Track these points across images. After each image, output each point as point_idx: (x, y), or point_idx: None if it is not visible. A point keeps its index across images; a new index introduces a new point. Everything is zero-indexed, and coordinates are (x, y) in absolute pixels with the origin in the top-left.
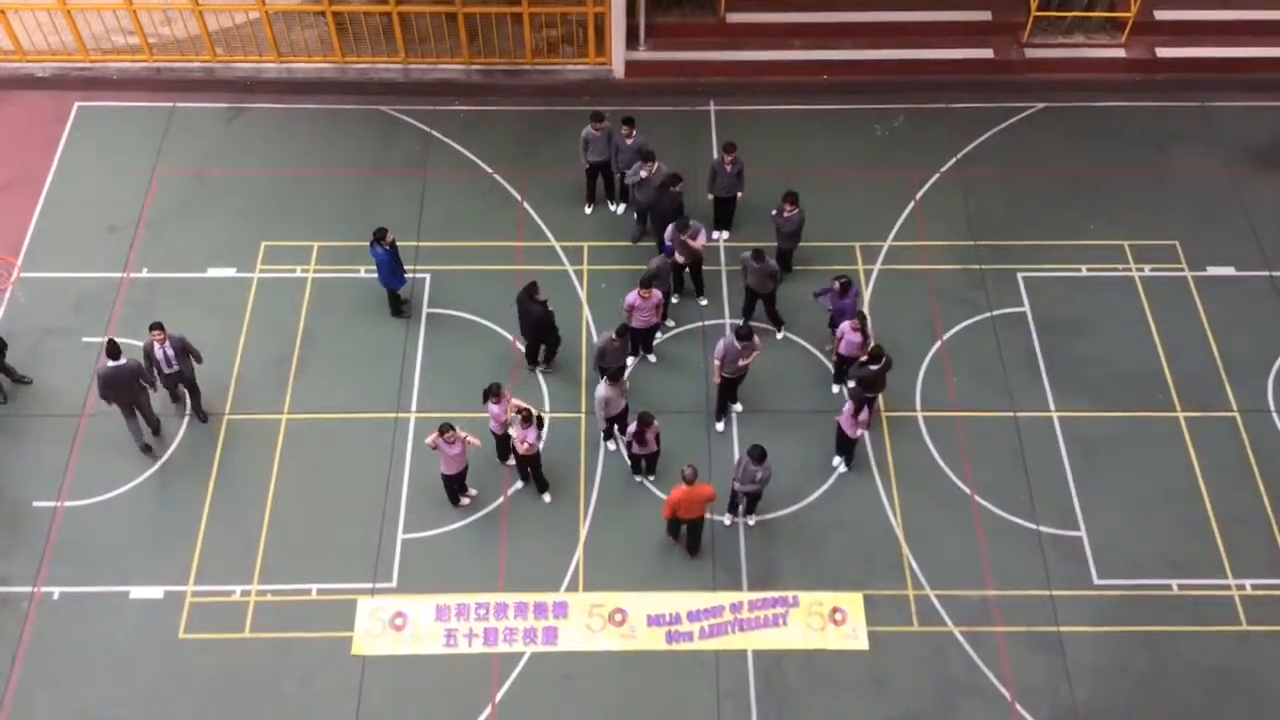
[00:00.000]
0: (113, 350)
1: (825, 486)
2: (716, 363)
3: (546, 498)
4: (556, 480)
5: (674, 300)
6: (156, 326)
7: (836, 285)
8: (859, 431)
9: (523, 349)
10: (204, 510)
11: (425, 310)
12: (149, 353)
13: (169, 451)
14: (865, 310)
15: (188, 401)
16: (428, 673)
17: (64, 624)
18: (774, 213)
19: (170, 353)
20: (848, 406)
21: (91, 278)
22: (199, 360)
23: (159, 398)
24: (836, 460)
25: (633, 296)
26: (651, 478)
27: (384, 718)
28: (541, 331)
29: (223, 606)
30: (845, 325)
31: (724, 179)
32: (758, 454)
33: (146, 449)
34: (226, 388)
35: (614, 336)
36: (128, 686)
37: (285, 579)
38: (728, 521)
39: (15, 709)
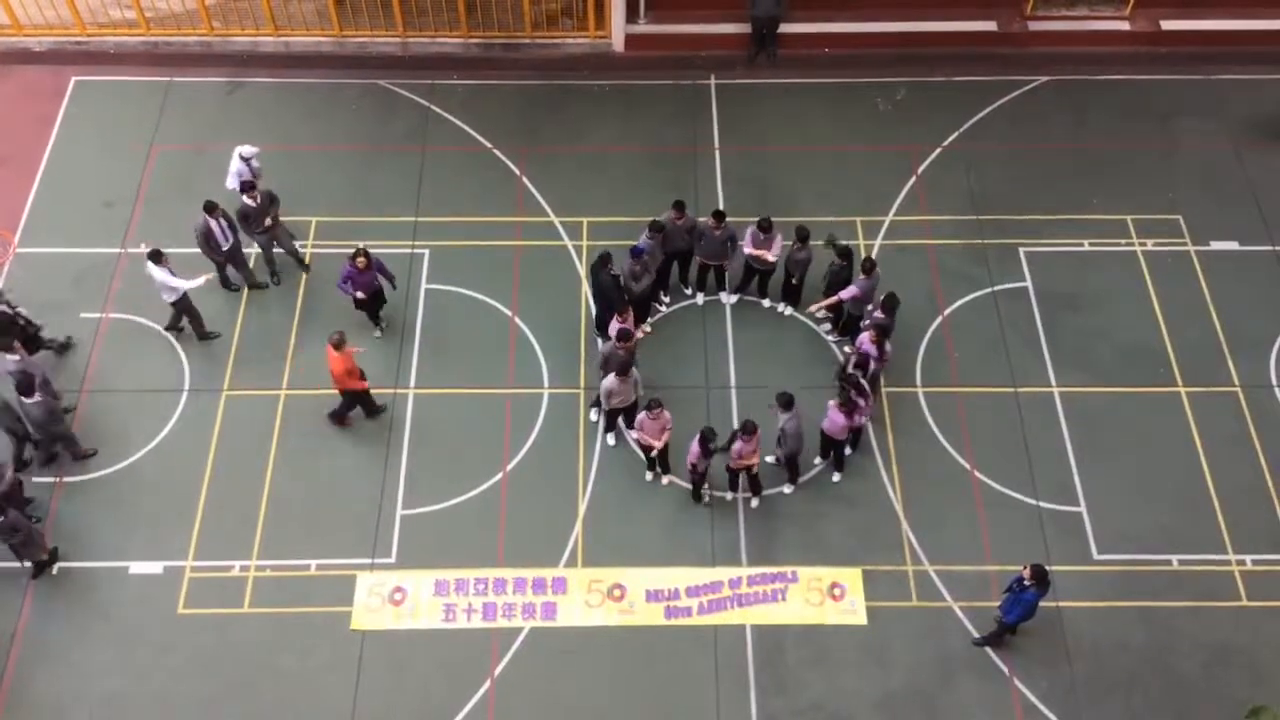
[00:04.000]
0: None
1: (824, 462)
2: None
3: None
4: (555, 455)
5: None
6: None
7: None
8: (844, 435)
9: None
10: (203, 485)
11: (424, 285)
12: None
13: (168, 426)
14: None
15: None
16: (427, 647)
17: (63, 599)
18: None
19: (224, 224)
20: (832, 411)
21: (89, 253)
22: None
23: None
24: (820, 461)
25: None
26: (666, 476)
27: (383, 692)
28: (608, 300)
29: (222, 582)
30: (864, 337)
31: (710, 244)
32: (785, 400)
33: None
34: (225, 362)
35: (617, 343)
36: (127, 661)
37: (284, 554)
38: (729, 497)
39: (15, 684)
